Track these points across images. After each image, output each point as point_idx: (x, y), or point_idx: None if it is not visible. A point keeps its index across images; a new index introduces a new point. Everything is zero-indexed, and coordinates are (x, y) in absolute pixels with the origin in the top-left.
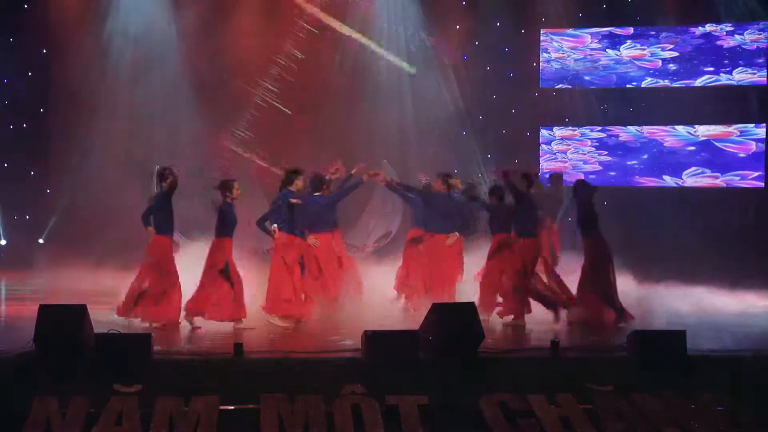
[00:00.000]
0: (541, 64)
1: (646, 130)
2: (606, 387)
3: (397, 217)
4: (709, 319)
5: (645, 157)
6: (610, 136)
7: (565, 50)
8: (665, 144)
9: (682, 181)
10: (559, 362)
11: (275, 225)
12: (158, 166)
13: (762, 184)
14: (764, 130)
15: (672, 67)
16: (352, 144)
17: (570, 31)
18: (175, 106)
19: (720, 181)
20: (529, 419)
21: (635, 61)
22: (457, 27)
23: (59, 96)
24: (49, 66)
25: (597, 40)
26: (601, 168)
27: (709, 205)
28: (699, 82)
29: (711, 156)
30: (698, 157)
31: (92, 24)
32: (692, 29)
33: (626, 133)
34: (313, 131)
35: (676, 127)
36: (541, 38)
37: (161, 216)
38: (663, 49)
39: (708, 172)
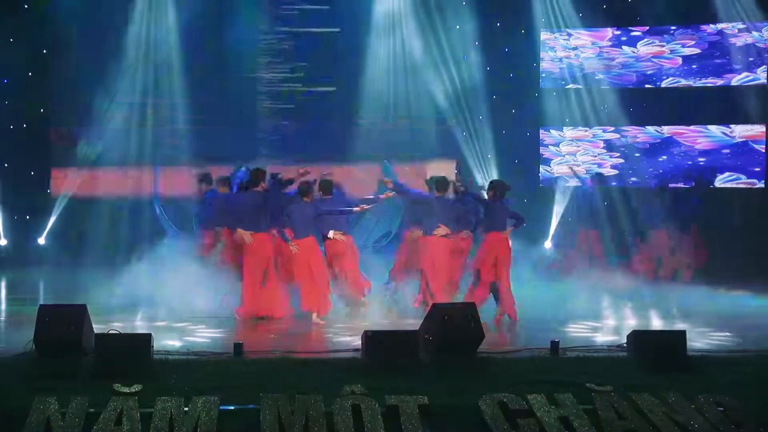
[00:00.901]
0: (546, 63)
1: (669, 130)
2: (605, 387)
3: (397, 218)
4: (709, 318)
5: (664, 158)
6: (624, 136)
7: (574, 48)
8: (697, 146)
9: (713, 187)
10: (558, 362)
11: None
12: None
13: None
14: None
15: (694, 66)
16: (352, 144)
17: (580, 28)
18: (177, 106)
19: (758, 188)
20: (529, 419)
21: (654, 59)
22: (457, 27)
23: (59, 96)
24: (49, 66)
25: (609, 37)
26: (617, 172)
27: (712, 204)
28: (735, 81)
29: (747, 159)
30: (731, 160)
31: (92, 24)
32: (703, 27)
33: (645, 133)
34: (313, 131)
35: (708, 126)
36: (546, 36)
37: (260, 214)
38: (683, 46)
39: (743, 178)
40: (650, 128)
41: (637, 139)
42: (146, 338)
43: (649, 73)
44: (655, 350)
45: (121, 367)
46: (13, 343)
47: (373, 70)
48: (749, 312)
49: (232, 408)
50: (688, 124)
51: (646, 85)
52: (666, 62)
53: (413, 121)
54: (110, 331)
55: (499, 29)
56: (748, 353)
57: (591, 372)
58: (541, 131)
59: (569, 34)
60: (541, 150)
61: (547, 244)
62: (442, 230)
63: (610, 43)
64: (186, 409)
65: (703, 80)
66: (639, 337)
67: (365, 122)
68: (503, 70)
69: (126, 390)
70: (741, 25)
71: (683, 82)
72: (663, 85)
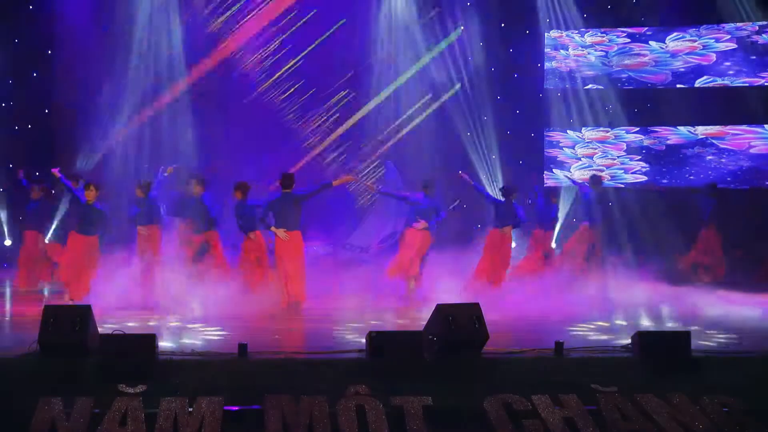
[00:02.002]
0: (557, 62)
1: (703, 131)
2: (610, 388)
3: (401, 218)
4: (713, 319)
5: (691, 160)
6: (650, 137)
7: (590, 45)
8: (752, 150)
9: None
10: (563, 363)
11: None
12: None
13: None
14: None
15: (727, 63)
16: (355, 144)
17: (591, 28)
18: (181, 107)
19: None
20: (533, 420)
21: (686, 55)
22: (462, 28)
23: (63, 97)
24: (54, 67)
25: (625, 35)
26: (646, 179)
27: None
28: None
29: None
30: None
31: (96, 25)
32: (721, 25)
33: (676, 134)
34: (315, 132)
35: (766, 126)
36: (557, 34)
37: (294, 213)
38: (717, 41)
39: None
40: (682, 129)
41: (669, 141)
42: (151, 339)
43: (681, 71)
44: (660, 351)
45: (125, 368)
46: (18, 344)
47: (374, 71)
48: (754, 312)
49: (237, 408)
50: (725, 125)
51: (678, 85)
52: (699, 59)
53: (417, 123)
54: (115, 332)
55: (503, 30)
56: (753, 354)
57: (595, 373)
58: (557, 132)
59: (583, 31)
60: (556, 152)
61: (551, 244)
62: (421, 224)
63: (628, 40)
64: (190, 409)
65: (741, 79)
66: (644, 337)
67: (369, 123)
68: (507, 70)
69: (130, 390)
70: (761, 22)
71: (719, 81)
72: (697, 84)
